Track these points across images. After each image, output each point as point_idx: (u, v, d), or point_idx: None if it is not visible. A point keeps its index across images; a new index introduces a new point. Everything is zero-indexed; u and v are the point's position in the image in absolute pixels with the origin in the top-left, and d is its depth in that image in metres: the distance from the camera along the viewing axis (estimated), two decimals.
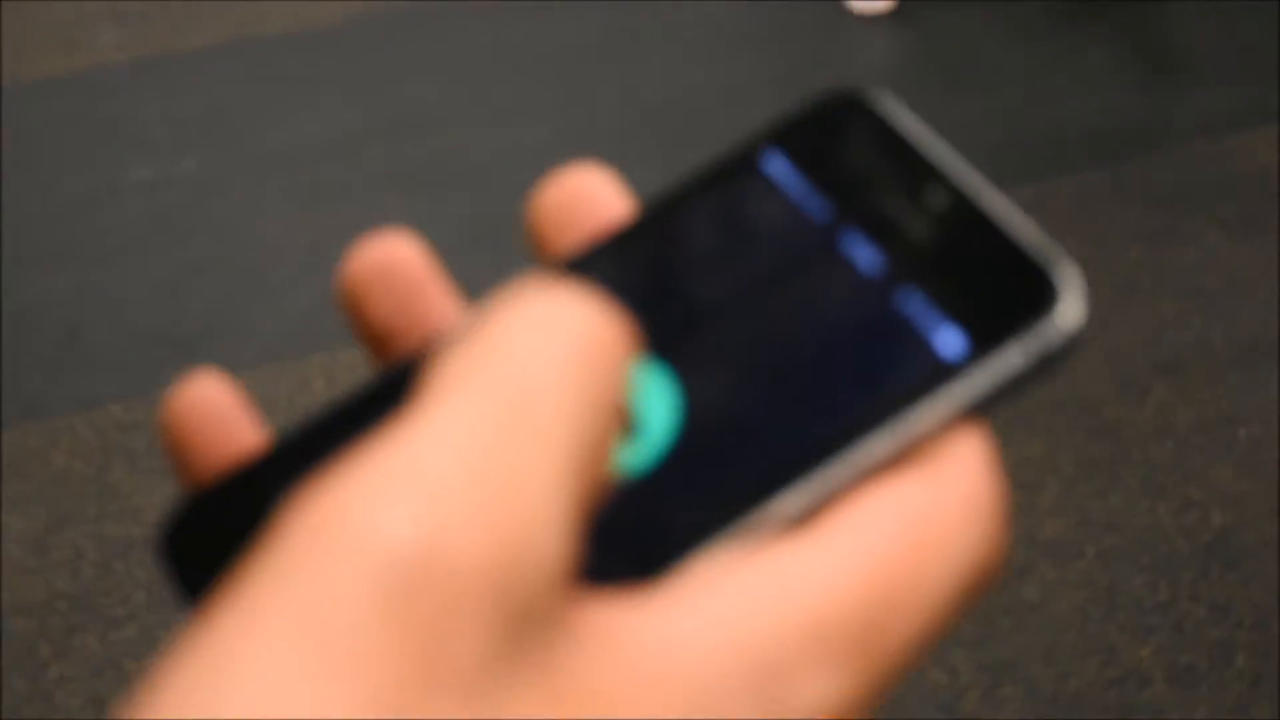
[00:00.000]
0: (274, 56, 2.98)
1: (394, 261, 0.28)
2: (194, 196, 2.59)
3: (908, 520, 0.23)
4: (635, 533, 0.24)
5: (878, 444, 0.24)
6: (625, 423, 0.21)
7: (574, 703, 0.20)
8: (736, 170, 0.27)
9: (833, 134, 0.27)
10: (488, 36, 2.99)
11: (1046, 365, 0.24)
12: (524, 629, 0.19)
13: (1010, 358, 0.24)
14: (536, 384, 0.20)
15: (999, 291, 0.25)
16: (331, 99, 2.83)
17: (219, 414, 0.27)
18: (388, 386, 0.27)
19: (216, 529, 0.26)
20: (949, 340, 0.25)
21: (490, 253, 2.30)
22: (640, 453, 0.25)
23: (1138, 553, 1.82)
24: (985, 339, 0.24)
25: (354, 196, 2.56)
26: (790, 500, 0.24)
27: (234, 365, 2.14)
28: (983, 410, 0.24)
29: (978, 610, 1.76)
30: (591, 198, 0.27)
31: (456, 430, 0.19)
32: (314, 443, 0.27)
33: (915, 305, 0.25)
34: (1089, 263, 2.17)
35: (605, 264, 0.27)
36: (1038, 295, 0.24)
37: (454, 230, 2.39)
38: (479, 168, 2.59)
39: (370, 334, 0.28)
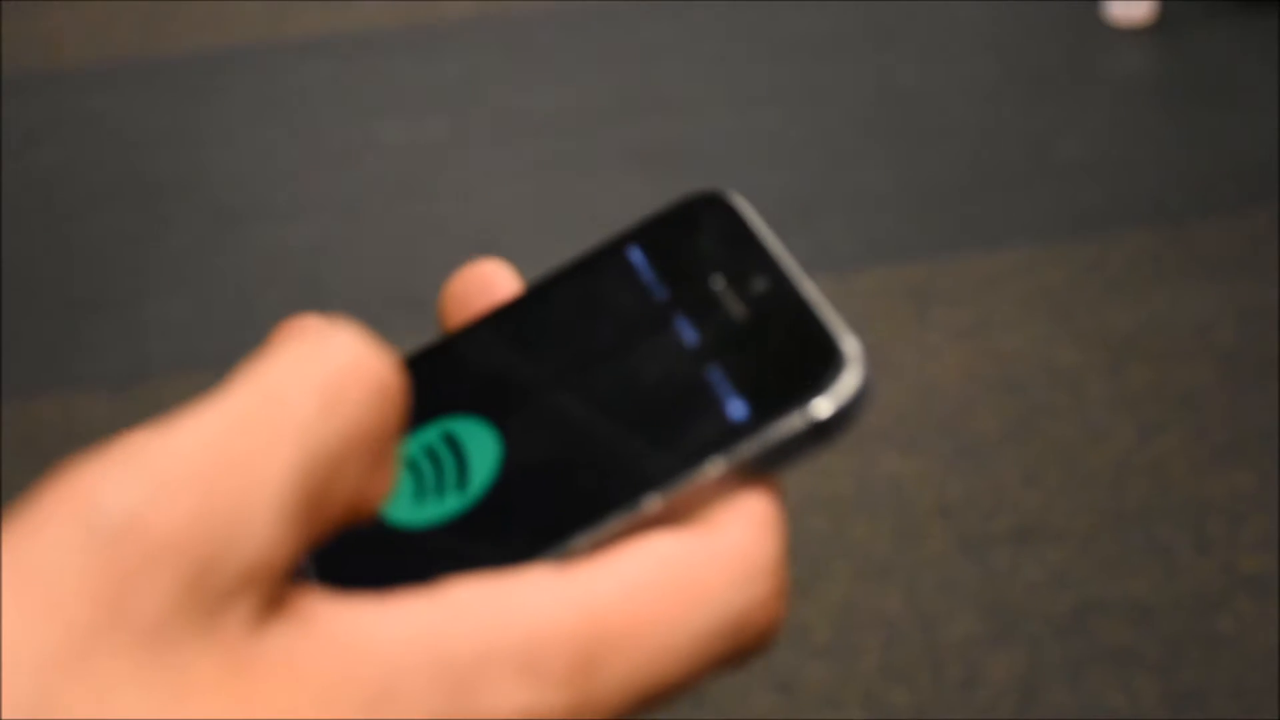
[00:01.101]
0: (529, 31, 3.04)
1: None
2: (440, 158, 2.67)
3: (657, 568, 0.24)
4: (441, 567, 0.27)
5: (653, 498, 0.27)
6: (380, 451, 0.24)
7: (253, 672, 0.22)
8: (603, 258, 0.32)
9: (684, 228, 0.32)
10: (735, 24, 3.00)
11: (821, 432, 0.27)
12: (216, 599, 0.21)
13: (788, 424, 0.27)
14: (282, 397, 0.23)
15: (792, 366, 0.28)
16: (579, 75, 2.88)
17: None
18: None
19: None
20: (739, 408, 0.28)
21: None
22: (460, 497, 0.28)
23: None
24: (770, 407, 0.28)
25: (589, 169, 2.60)
26: (569, 544, 0.26)
27: None
28: (763, 471, 0.27)
29: (1168, 636, 1.72)
30: (489, 284, 0.32)
31: (199, 425, 0.22)
32: None
33: (719, 377, 0.29)
34: None
35: (471, 337, 0.32)
36: (823, 370, 0.28)
37: None
38: (714, 150, 2.60)
39: None
